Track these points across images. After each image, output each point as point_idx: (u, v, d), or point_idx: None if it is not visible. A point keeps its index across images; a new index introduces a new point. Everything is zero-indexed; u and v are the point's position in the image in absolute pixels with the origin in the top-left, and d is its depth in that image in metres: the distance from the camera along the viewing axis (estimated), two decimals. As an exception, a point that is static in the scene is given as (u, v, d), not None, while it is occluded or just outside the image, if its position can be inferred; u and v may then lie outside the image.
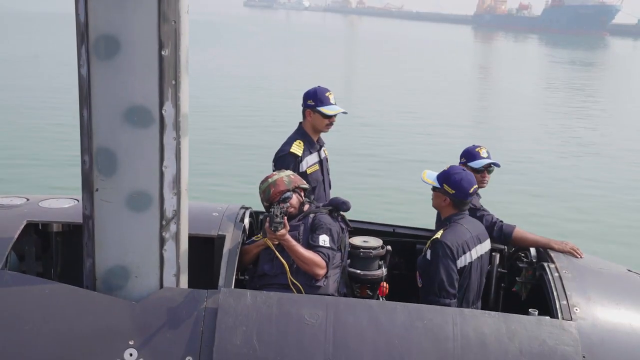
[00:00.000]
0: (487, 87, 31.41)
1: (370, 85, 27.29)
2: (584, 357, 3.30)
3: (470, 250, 3.87)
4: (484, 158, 4.47)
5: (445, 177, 3.98)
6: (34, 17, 60.12)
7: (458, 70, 35.57)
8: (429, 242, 3.95)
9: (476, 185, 4.05)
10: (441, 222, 4.05)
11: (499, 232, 4.21)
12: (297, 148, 4.61)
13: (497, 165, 4.51)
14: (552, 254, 3.98)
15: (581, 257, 4.01)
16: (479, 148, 4.52)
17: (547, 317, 3.47)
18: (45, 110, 17.63)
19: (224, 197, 9.62)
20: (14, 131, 15.00)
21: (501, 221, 4.27)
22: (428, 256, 3.88)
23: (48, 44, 34.66)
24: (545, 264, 3.86)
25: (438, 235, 3.87)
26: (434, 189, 4.04)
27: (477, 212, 4.21)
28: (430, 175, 4.06)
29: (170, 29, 3.09)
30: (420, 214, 6.50)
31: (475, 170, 4.37)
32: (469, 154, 4.50)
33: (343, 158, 12.69)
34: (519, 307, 3.83)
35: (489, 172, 4.50)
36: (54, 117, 16.69)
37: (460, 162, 4.51)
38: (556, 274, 3.73)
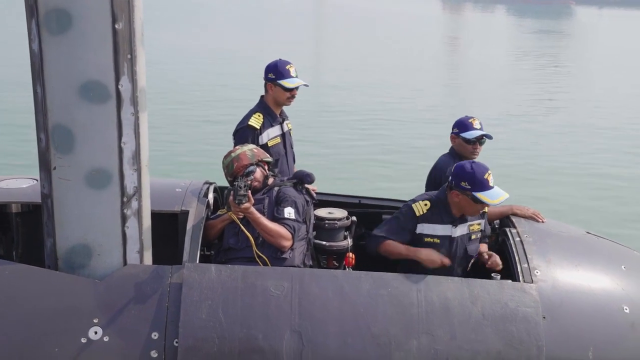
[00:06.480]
0: (457, 58, 31.51)
1: (338, 59, 27.15)
2: (544, 317, 3.38)
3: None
4: (476, 129, 4.49)
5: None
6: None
7: (427, 42, 35.58)
8: None
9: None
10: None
11: None
12: (255, 121, 4.59)
13: (490, 137, 4.52)
14: (514, 219, 4.05)
15: (543, 222, 4.08)
16: (472, 119, 4.54)
17: (509, 281, 3.54)
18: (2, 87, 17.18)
19: (188, 173, 9.55)
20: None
21: None
22: None
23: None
24: (507, 229, 3.93)
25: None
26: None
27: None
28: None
29: (123, 1, 3.03)
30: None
31: (468, 141, 4.44)
32: (462, 125, 4.52)
33: (308, 130, 12.68)
34: (485, 274, 3.89)
35: (481, 143, 4.52)
36: (11, 94, 16.25)
37: (452, 133, 4.55)
38: (517, 239, 3.80)
